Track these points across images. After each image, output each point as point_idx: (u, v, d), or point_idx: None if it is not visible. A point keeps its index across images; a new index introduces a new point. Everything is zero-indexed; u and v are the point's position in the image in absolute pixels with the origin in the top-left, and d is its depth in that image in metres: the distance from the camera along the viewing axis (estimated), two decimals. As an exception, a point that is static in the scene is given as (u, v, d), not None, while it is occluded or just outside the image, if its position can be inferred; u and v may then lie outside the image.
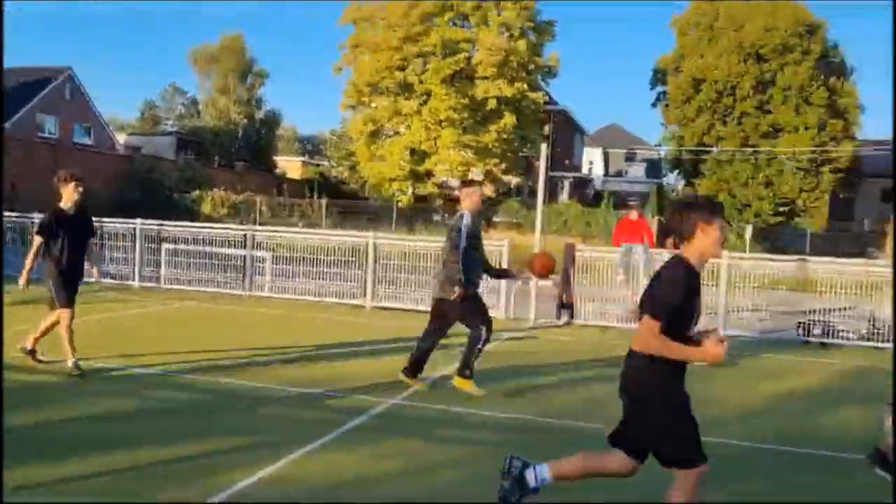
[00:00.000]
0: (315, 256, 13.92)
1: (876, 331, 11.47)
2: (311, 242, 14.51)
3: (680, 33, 42.60)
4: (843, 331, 11.62)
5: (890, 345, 10.57)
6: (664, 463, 3.60)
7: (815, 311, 12.00)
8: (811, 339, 11.53)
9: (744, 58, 38.12)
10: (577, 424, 6.18)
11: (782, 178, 38.36)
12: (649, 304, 3.53)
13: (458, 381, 6.90)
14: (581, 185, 50.32)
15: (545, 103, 38.94)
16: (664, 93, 44.00)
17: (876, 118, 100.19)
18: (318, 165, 57.98)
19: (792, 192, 38.34)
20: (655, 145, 49.76)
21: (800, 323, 11.82)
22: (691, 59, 40.01)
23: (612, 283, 12.79)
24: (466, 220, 6.89)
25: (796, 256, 14.82)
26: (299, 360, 8.24)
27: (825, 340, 11.44)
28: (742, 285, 12.24)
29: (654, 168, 51.94)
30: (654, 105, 46.84)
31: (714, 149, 39.46)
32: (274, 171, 49.66)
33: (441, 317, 7.00)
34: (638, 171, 54.20)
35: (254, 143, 51.09)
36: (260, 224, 26.13)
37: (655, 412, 3.57)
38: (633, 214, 13.33)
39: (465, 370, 6.87)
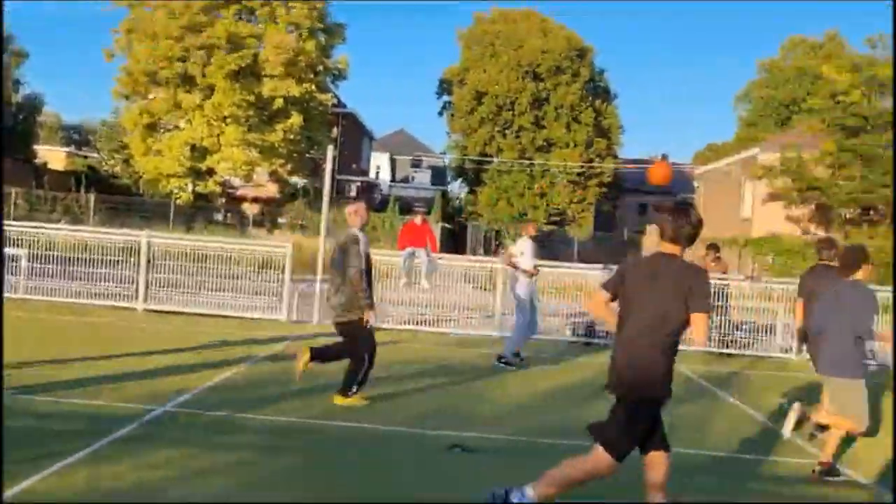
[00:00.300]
0: (80, 255, 12.79)
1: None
2: (75, 240, 13.31)
3: (465, 47, 44.39)
4: (602, 331, 12.68)
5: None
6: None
7: (581, 313, 12.99)
8: (578, 338, 12.47)
9: (522, 75, 40.50)
10: (358, 425, 6.16)
11: (555, 189, 41.18)
12: (704, 302, 4.01)
13: (339, 400, 6.78)
14: (368, 189, 50.73)
15: (334, 105, 38.80)
16: (450, 103, 45.61)
17: (632, 139, 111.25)
18: (85, 157, 53.44)
19: (563, 203, 41.26)
20: (441, 153, 51.47)
21: (568, 324, 12.74)
22: (475, 72, 41.82)
23: (396, 287, 12.98)
24: (364, 241, 6.87)
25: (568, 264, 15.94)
26: (60, 366, 7.48)
27: (590, 340, 12.40)
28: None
29: (439, 175, 53.59)
30: (440, 114, 48.43)
31: (495, 159, 41.52)
32: (33, 162, 45.06)
33: (352, 338, 6.87)
34: (424, 177, 55.64)
35: (10, 130, 46.01)
36: (15, 219, 23.55)
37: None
38: (418, 219, 13.62)
39: (350, 393, 6.78)
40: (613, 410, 4.16)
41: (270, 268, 12.79)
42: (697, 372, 10.52)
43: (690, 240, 4.13)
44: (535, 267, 10.21)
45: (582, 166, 40.73)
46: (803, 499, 5.30)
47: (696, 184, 42.82)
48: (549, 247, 37.58)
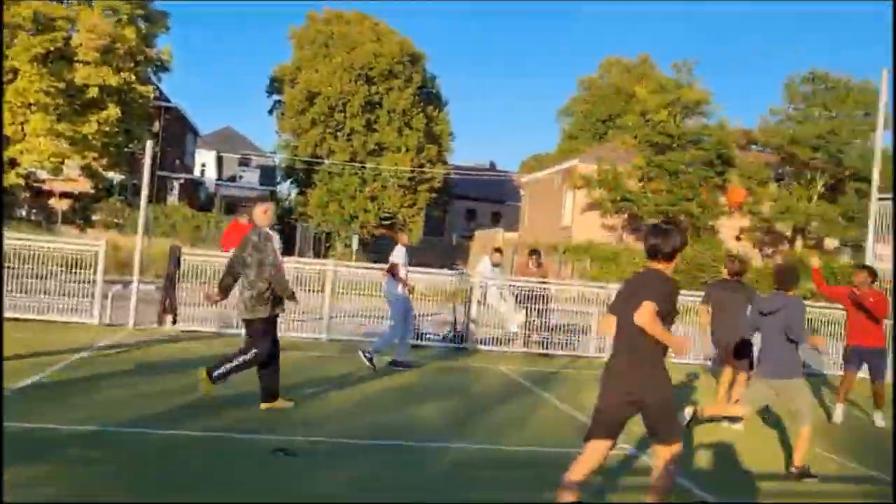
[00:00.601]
0: None
1: (456, 333, 12.91)
2: None
3: (297, 46, 43.64)
4: (429, 333, 12.86)
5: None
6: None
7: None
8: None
9: (355, 78, 40.40)
10: (180, 432, 5.84)
11: (386, 193, 41.39)
12: (651, 295, 4.28)
13: (203, 378, 6.75)
14: (193, 187, 48.53)
15: (156, 98, 36.79)
16: (280, 101, 44.65)
17: (462, 146, 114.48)
18: None
19: (394, 207, 41.56)
20: (270, 152, 50.20)
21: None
22: (307, 72, 41.21)
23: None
24: (278, 240, 7.08)
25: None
26: None
27: (417, 342, 12.51)
28: (345, 292, 12.87)
29: (268, 175, 52.25)
30: (270, 112, 47.26)
31: (326, 161, 41.10)
32: None
33: (255, 334, 6.90)
34: (253, 177, 54.04)
35: None
36: None
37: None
38: (245, 219, 13.15)
39: (217, 373, 6.78)
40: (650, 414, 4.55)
41: (81, 267, 11.88)
42: (519, 372, 10.92)
43: (670, 256, 4.46)
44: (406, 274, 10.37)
45: (413, 171, 41.25)
46: (612, 487, 5.61)
47: (521, 192, 44.63)
48: (379, 250, 37.75)
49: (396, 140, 41.06)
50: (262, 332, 6.90)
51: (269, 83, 46.15)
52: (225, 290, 7.12)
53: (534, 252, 14.16)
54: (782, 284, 6.74)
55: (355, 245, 36.30)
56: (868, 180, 16.06)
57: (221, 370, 6.81)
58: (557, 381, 10.48)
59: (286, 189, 50.79)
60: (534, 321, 13.08)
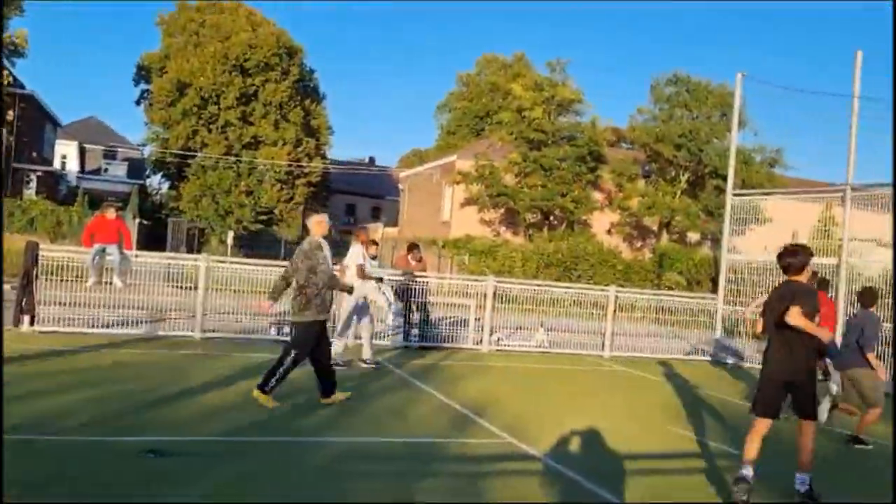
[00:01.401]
0: None
1: (333, 327, 12.78)
2: None
3: (166, 34, 41.89)
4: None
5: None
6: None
7: (286, 312, 12.87)
8: (282, 337, 12.31)
9: (229, 69, 39.19)
10: (54, 438, 5.50)
11: (262, 187, 40.43)
12: (801, 301, 5.52)
13: (258, 395, 7.15)
14: (53, 180, 45.62)
15: (10, 85, 34.32)
16: (149, 91, 42.73)
17: (341, 141, 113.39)
18: None
19: (271, 202, 40.66)
20: (139, 145, 47.93)
21: (273, 323, 12.54)
22: (177, 61, 39.61)
23: (83, 287, 11.82)
24: (328, 247, 7.61)
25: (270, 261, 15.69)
26: None
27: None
28: (221, 288, 12.50)
29: (136, 168, 49.87)
30: (137, 103, 45.17)
31: (199, 154, 39.68)
32: None
33: (298, 336, 7.43)
34: (119, 170, 51.39)
35: None
36: None
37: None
38: (111, 213, 12.52)
39: (269, 386, 7.19)
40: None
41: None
42: (398, 365, 10.97)
43: (799, 270, 5.78)
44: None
45: (290, 165, 40.50)
46: (482, 474, 5.74)
47: (401, 187, 44.72)
48: (255, 246, 36.89)
49: (273, 133, 40.17)
50: (304, 335, 7.41)
51: (137, 71, 44.10)
52: (276, 295, 7.79)
53: (413, 246, 14.24)
54: (864, 303, 8.37)
55: (230, 240, 35.22)
56: (725, 177, 17.13)
57: (272, 383, 7.23)
58: (437, 373, 10.60)
59: (156, 183, 48.71)
60: (413, 315, 13.17)
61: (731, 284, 15.65)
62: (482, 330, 13.80)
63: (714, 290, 17.88)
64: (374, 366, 10.43)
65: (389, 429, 6.94)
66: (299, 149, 41.08)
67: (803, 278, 5.83)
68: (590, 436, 7.29)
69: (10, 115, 33.76)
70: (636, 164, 33.10)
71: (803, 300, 5.51)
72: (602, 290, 15.40)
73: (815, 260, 14.62)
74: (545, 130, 30.77)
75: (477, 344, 13.70)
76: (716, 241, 26.14)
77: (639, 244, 34.62)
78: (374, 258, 13.69)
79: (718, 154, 29.63)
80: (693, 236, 33.80)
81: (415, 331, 13.25)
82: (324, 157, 44.36)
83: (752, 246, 17.61)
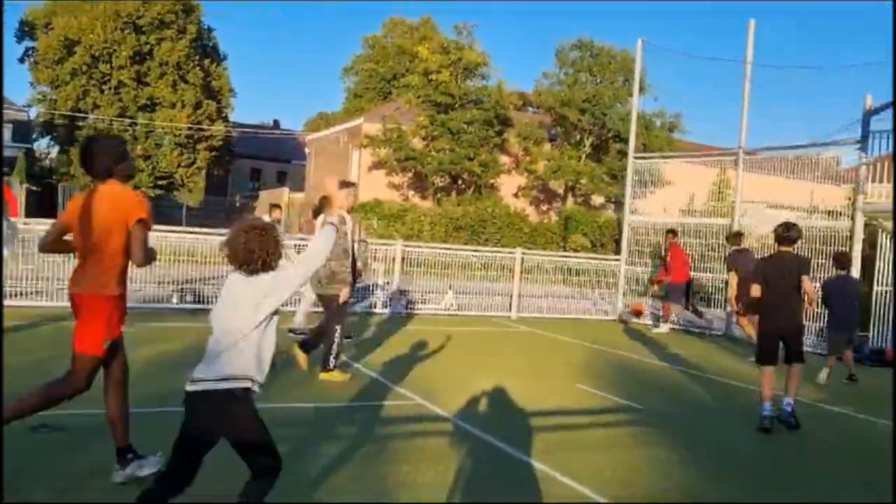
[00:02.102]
0: None
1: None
2: None
3: (52, -13, 39.35)
4: (215, 297, 12.36)
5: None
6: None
7: (190, 280, 12.50)
8: (186, 305, 11.98)
9: (121, 26, 37.19)
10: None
11: (161, 151, 38.84)
12: (805, 270, 7.16)
13: (325, 375, 7.41)
14: (-72, 144, 42.48)
15: None
16: (33, 49, 40.17)
17: (244, 103, 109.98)
18: None
19: (170, 167, 39.13)
20: (24, 106, 45.08)
21: (175, 291, 12.16)
22: (63, 17, 37.28)
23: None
24: (349, 221, 7.66)
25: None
26: None
27: (199, 306, 12.00)
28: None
29: (22, 131, 46.96)
30: (21, 61, 42.41)
31: (90, 116, 37.69)
32: None
33: (330, 309, 7.62)
34: (3, 132, 48.36)
35: None
36: None
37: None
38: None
39: (329, 365, 7.44)
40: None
41: None
42: (307, 331, 10.82)
43: (793, 242, 7.17)
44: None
45: (190, 128, 39.02)
46: (391, 436, 5.75)
47: (307, 150, 43.88)
48: (156, 212, 35.52)
49: (171, 95, 38.50)
50: (339, 307, 7.57)
51: (20, 27, 41.35)
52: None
53: (319, 211, 14.02)
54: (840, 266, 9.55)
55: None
56: (627, 141, 17.54)
57: (332, 357, 7.45)
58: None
59: (45, 147, 46.08)
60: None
61: (633, 245, 16.14)
62: (388, 292, 13.78)
63: (617, 251, 18.42)
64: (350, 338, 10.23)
65: (297, 395, 6.84)
66: (200, 111, 39.55)
67: (794, 248, 7.27)
68: (498, 395, 7.40)
69: None
70: (542, 128, 33.50)
71: (806, 269, 7.12)
72: (509, 252, 15.60)
73: (709, 220, 15.28)
74: (452, 94, 30.70)
75: (386, 308, 13.69)
76: (619, 204, 26.83)
77: (545, 207, 35.22)
78: (277, 222, 13.42)
79: (621, 118, 30.30)
80: (597, 199, 34.62)
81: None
82: (226, 119, 42.90)
83: (653, 208, 18.18)
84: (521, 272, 15.00)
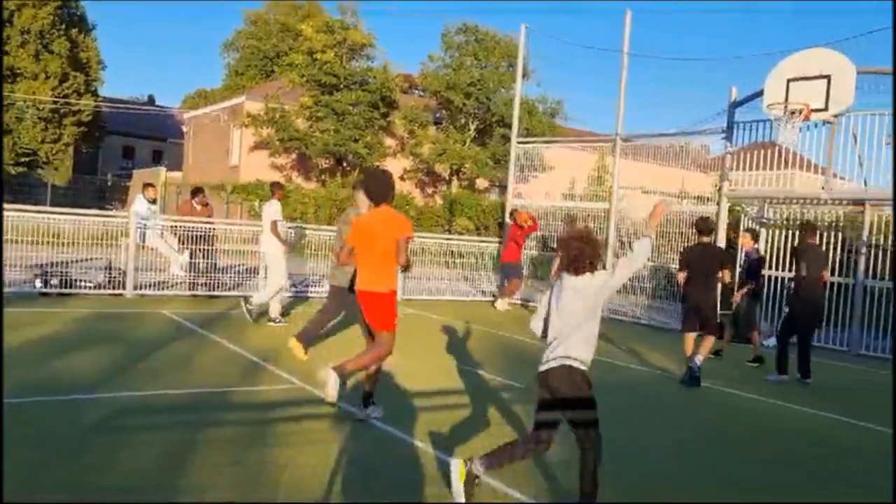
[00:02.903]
0: None
1: (112, 278, 11.92)
2: None
3: None
4: (81, 281, 11.71)
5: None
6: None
7: (54, 263, 11.77)
8: (50, 290, 11.28)
9: (-23, -11, 34.38)
10: None
11: (22, 126, 36.29)
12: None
13: (294, 343, 7.69)
14: None
15: None
16: None
17: (115, 77, 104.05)
18: None
19: (33, 142, 36.65)
20: None
21: (38, 275, 11.43)
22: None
23: None
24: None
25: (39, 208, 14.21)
26: None
27: (64, 291, 11.33)
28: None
29: None
30: None
31: (-58, 86, 34.69)
32: None
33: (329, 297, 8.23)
34: None
35: None
36: None
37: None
38: None
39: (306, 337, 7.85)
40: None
41: None
42: (184, 315, 10.45)
43: (710, 233, 9.04)
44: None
45: (55, 101, 36.62)
46: (271, 420, 5.64)
47: (184, 129, 42.19)
48: (18, 191, 33.28)
49: (33, 65, 35.93)
50: (337, 297, 8.03)
51: None
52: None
53: (197, 191, 13.52)
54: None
55: (-14, 185, 31.39)
56: (511, 126, 17.82)
57: (307, 333, 7.89)
58: (225, 322, 10.23)
59: None
60: (199, 262, 12.56)
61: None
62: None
63: (500, 234, 18.75)
64: (249, 315, 10.27)
65: (172, 381, 6.59)
66: (66, 84, 37.15)
67: (711, 238, 8.97)
68: (383, 377, 7.38)
69: None
70: (427, 111, 33.57)
71: (725, 257, 8.98)
72: (394, 234, 15.55)
73: (589, 205, 15.79)
74: (337, 74, 30.25)
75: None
76: (503, 188, 27.31)
77: (430, 190, 35.40)
78: (153, 202, 12.86)
79: (505, 103, 30.76)
80: (482, 183, 35.10)
81: (202, 279, 12.66)
82: (95, 93, 40.49)
83: (535, 192, 18.61)
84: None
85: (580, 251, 4.21)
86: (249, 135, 31.88)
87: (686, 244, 13.36)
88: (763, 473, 5.37)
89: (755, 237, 11.68)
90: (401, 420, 5.80)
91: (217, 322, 10.16)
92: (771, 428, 6.83)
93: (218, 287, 12.90)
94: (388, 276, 5.82)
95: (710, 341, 8.65)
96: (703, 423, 6.95)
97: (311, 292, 13.77)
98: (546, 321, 4.40)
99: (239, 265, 14.05)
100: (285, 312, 11.04)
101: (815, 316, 9.30)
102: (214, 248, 12.90)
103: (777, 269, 13.14)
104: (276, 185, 11.25)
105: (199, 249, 12.52)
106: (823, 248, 11.75)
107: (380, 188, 5.88)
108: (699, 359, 8.41)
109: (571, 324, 4.21)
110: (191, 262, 12.49)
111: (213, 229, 13.04)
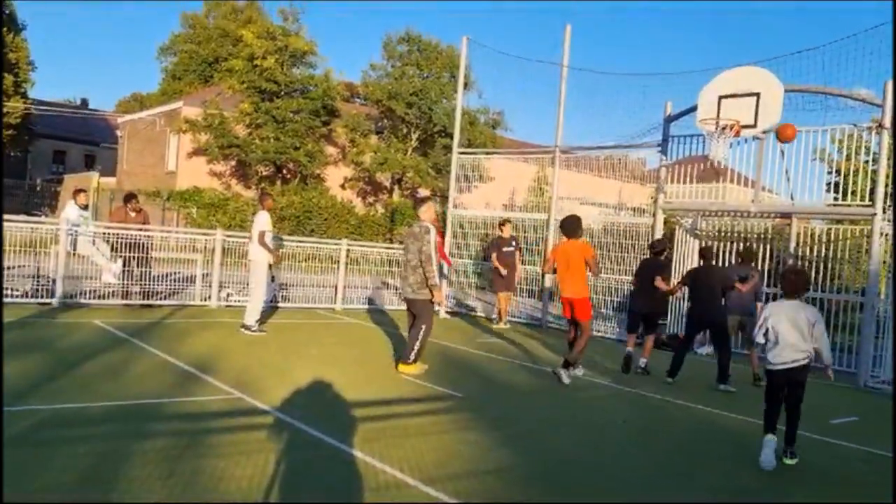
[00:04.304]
0: None
1: (41, 287, 11.55)
2: None
3: None
4: (8, 289, 11.31)
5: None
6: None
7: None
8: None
9: None
10: None
11: (-54, 127, 34.83)
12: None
13: (404, 369, 8.38)
14: None
15: None
16: None
17: (46, 78, 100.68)
18: None
19: (-42, 145, 35.23)
20: None
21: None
22: None
23: None
24: (434, 233, 8.39)
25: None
26: None
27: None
28: None
29: None
30: None
31: None
32: None
33: (420, 312, 8.43)
34: None
35: None
36: None
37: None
38: None
39: (413, 356, 8.38)
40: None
41: None
42: (117, 325, 10.19)
43: (656, 252, 10.52)
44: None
45: (-18, 103, 35.30)
46: (206, 431, 5.54)
47: (119, 133, 41.16)
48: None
49: (-41, 65, 34.64)
50: (428, 310, 8.46)
51: None
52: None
53: (131, 196, 13.20)
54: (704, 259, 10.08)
55: None
56: (452, 136, 17.91)
57: (414, 353, 8.36)
58: (159, 331, 10.00)
59: None
60: (133, 270, 12.26)
61: (457, 238, 16.54)
62: (210, 286, 13.26)
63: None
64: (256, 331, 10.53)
65: (102, 392, 6.41)
66: (-6, 85, 35.86)
67: (661, 258, 10.40)
68: (320, 386, 7.34)
69: None
70: (369, 119, 33.49)
71: (663, 271, 10.34)
72: (335, 243, 15.47)
73: (529, 215, 15.96)
74: (278, 81, 29.95)
75: (205, 300, 13.16)
76: (444, 198, 27.39)
77: (372, 199, 35.29)
78: (84, 208, 12.52)
79: (447, 113, 30.91)
80: (423, 192, 35.15)
81: (136, 288, 12.36)
82: (25, 95, 39.20)
83: (476, 202, 18.75)
84: (347, 263, 14.94)
85: (794, 282, 6.10)
86: (187, 141, 31.28)
87: (621, 254, 13.65)
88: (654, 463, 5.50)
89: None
90: (339, 429, 5.76)
91: (151, 331, 9.93)
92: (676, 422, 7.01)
93: (153, 296, 12.62)
94: (584, 285, 8.76)
95: (651, 342, 10.38)
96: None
97: (240, 301, 13.54)
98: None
99: (175, 273, 13.76)
100: (263, 321, 10.90)
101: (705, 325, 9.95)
102: (149, 255, 12.61)
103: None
104: (264, 196, 11.58)
105: (133, 257, 12.23)
106: (756, 259, 12.15)
107: (572, 226, 8.83)
108: (644, 360, 10.05)
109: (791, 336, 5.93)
110: (124, 270, 12.18)
111: (149, 236, 12.75)
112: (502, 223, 14.31)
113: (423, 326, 8.39)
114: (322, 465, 4.97)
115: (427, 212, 8.68)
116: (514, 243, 14.08)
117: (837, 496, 5.46)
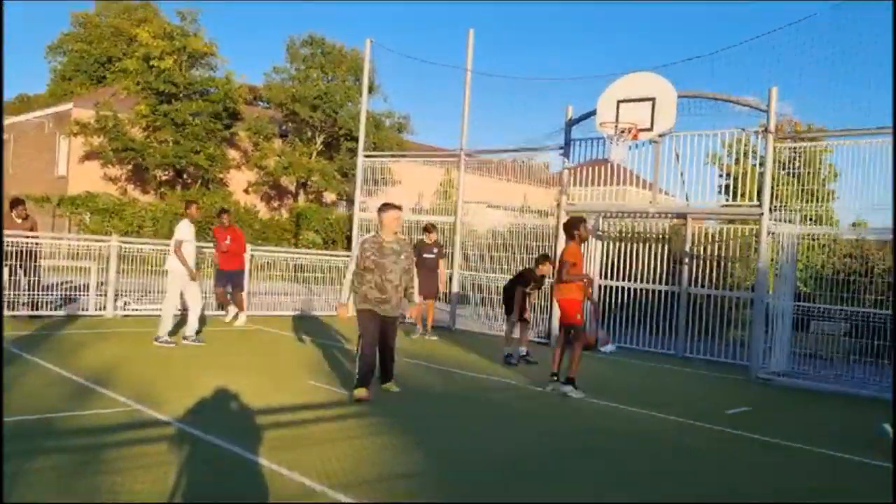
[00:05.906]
0: None
1: None
2: None
3: None
4: None
5: None
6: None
7: None
8: None
9: None
10: None
11: None
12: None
13: (387, 387, 7.94)
14: None
15: None
16: None
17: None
18: None
19: None
20: None
21: None
22: None
23: None
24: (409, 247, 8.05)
25: None
26: None
27: None
28: None
29: None
30: None
31: None
32: None
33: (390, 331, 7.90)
34: None
35: None
36: None
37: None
38: None
39: (394, 374, 8.05)
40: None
41: None
42: (4, 337, 9.61)
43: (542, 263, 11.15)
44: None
45: None
46: (103, 445, 5.30)
47: (3, 136, 38.92)
48: None
49: None
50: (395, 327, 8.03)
51: None
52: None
53: (17, 202, 12.51)
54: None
55: None
56: (358, 139, 17.79)
57: (394, 371, 8.03)
58: (51, 344, 9.51)
59: None
60: (20, 280, 11.62)
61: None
62: (106, 295, 12.71)
63: (348, 248, 18.65)
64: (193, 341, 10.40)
65: (-11, 409, 6.03)
66: None
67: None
68: (224, 395, 7.13)
69: None
70: (273, 123, 32.89)
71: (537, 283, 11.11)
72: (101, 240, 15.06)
73: (436, 218, 16.02)
74: (176, 83, 29.00)
75: (100, 310, 12.61)
76: (350, 202, 27.18)
77: (276, 204, 34.66)
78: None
79: (352, 117, 30.69)
80: (329, 196, 34.78)
81: (23, 298, 11.72)
82: None
83: (382, 205, 18.61)
84: (251, 269, 14.62)
85: None
86: (79, 144, 29.91)
87: (527, 255, 13.88)
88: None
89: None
90: (243, 438, 5.61)
91: (42, 344, 9.42)
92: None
93: (42, 306, 11.99)
94: (567, 286, 8.58)
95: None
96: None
97: (139, 310, 13.06)
98: None
99: (66, 282, 13.11)
100: (173, 333, 10.39)
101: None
102: (38, 264, 11.97)
103: (611, 278, 13.91)
104: (189, 203, 10.93)
105: (20, 265, 11.58)
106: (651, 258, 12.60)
107: (566, 229, 8.78)
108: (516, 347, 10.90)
109: None
110: (10, 280, 11.53)
111: (37, 244, 12.11)
112: (427, 228, 13.53)
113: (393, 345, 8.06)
114: (227, 476, 4.83)
115: (395, 221, 7.87)
116: (435, 250, 13.50)
117: (738, 482, 5.70)
